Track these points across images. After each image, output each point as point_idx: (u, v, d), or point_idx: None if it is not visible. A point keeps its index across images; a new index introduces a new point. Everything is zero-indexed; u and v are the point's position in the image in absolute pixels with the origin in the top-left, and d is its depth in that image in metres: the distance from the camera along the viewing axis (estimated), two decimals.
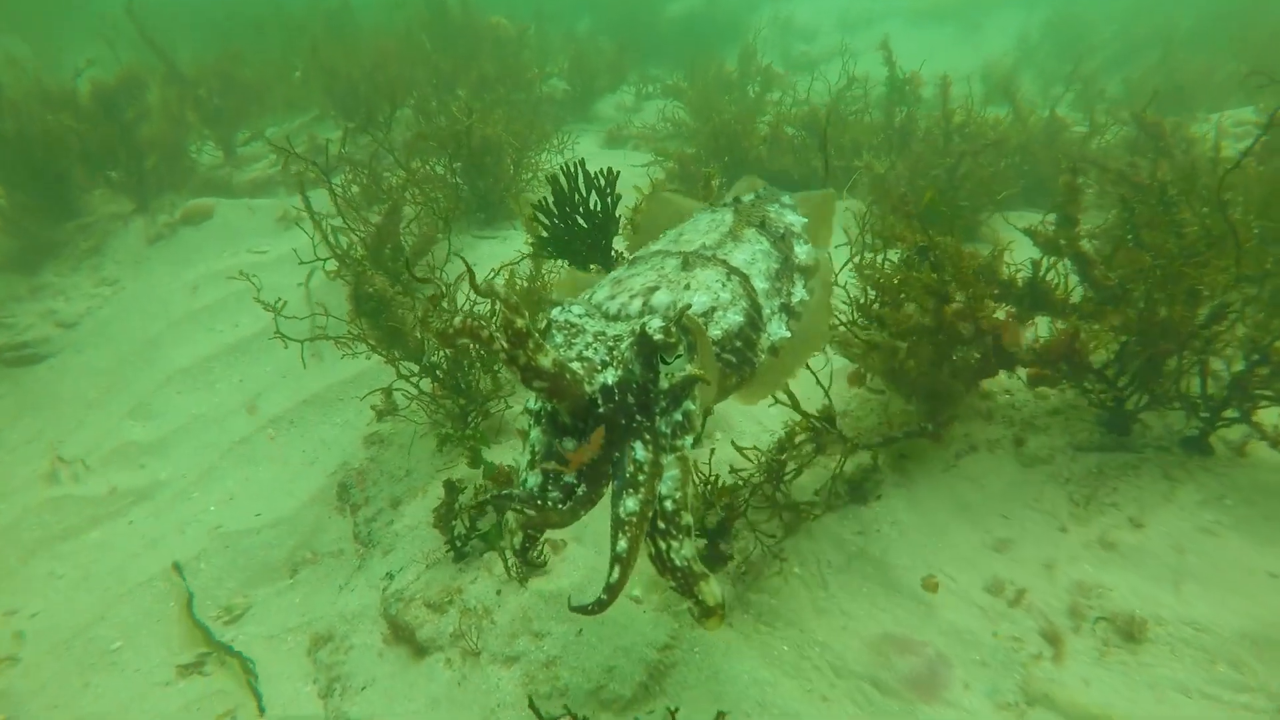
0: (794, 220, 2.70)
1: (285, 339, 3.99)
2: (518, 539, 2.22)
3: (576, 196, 3.70)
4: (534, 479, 1.73)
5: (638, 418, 1.74)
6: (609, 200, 3.67)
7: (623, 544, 1.64)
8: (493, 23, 8.42)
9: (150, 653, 3.17)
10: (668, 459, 1.75)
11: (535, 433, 1.79)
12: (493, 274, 4.58)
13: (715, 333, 1.98)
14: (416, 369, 3.84)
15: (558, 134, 6.55)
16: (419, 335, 3.84)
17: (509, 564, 2.88)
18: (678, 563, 1.70)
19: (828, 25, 17.79)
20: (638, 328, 1.74)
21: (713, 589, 1.69)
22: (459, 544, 3.07)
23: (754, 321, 2.09)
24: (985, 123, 5.99)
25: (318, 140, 7.26)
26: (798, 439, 3.18)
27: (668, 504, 1.72)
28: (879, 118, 7.20)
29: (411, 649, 2.86)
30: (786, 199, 2.97)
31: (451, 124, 5.57)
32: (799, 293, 2.39)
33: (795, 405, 3.21)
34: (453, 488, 3.05)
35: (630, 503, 1.68)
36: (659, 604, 2.76)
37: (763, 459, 3.12)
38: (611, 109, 9.56)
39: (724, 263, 2.20)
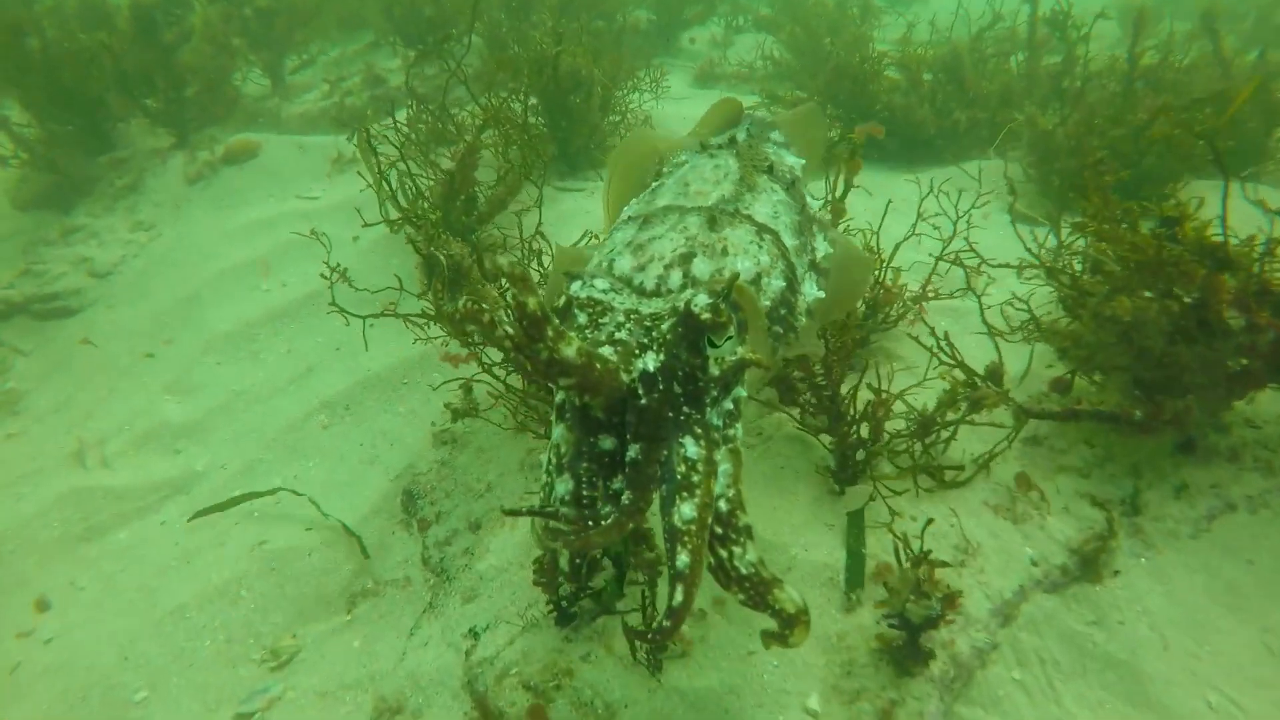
0: (794, 162, 2.47)
1: (346, 314, 3.35)
2: (563, 561, 1.93)
3: None
4: (563, 485, 1.51)
5: (685, 409, 1.53)
6: None
7: (684, 558, 1.41)
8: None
9: (181, 708, 2.63)
10: (720, 453, 1.55)
11: (560, 430, 1.57)
12: (585, 239, 3.87)
13: (765, 303, 1.82)
14: (501, 357, 3.19)
15: (649, 70, 5.70)
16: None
17: (634, 645, 2.24)
18: (744, 570, 1.49)
19: None
20: (680, 304, 1.54)
21: (791, 594, 1.48)
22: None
23: (792, 284, 1.93)
24: (1180, 68, 4.95)
25: (374, 70, 6.53)
26: (957, 397, 2.56)
27: (721, 504, 1.51)
28: (1022, 62, 6.19)
29: None
30: (778, 135, 2.71)
31: (535, 53, 4.77)
32: (822, 247, 2.21)
33: (958, 361, 2.55)
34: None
35: (687, 509, 1.45)
36: None
37: (913, 418, 2.64)
38: (700, 43, 8.61)
39: (750, 219, 1.99)
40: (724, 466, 1.55)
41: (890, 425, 2.69)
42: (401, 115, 4.87)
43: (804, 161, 2.55)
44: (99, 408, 4.34)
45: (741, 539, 1.51)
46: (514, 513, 1.60)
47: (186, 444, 3.94)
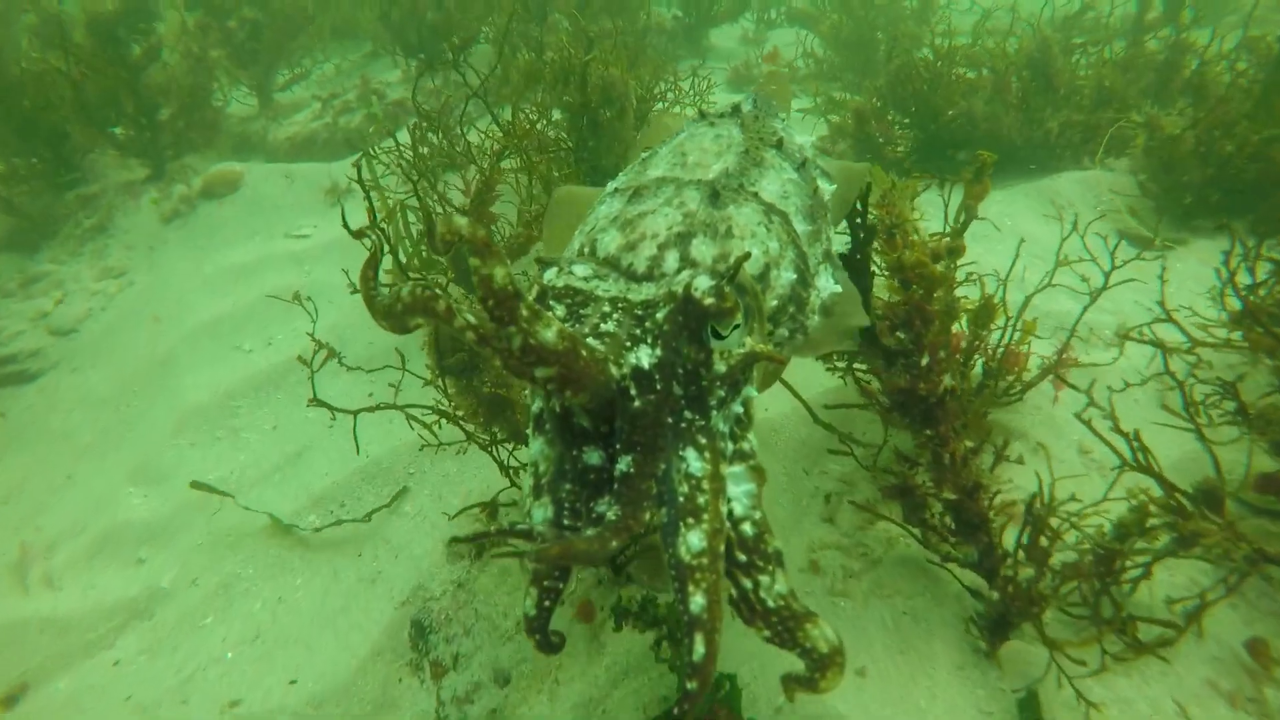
0: (804, 142, 2.23)
1: (331, 410, 2.72)
2: (530, 602, 1.48)
3: None
4: (541, 511, 1.29)
5: (687, 414, 1.31)
6: None
7: (699, 599, 1.19)
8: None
9: None
10: (733, 470, 1.34)
11: (538, 445, 1.36)
12: None
13: (772, 301, 1.61)
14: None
15: (694, 79, 5.03)
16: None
17: None
18: (771, 604, 1.27)
19: None
20: (678, 289, 1.32)
21: (825, 632, 1.26)
22: None
23: (804, 276, 1.71)
24: None
25: (371, 84, 5.91)
26: (1149, 523, 1.91)
27: (746, 527, 1.31)
28: (1120, 51, 5.46)
29: None
30: (782, 115, 2.46)
31: (561, 60, 4.14)
32: (832, 237, 2.02)
33: (1156, 474, 1.89)
34: None
35: (694, 539, 1.22)
36: None
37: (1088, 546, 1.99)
38: (731, 41, 7.95)
39: (756, 197, 1.78)
40: (745, 486, 1.35)
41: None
42: (403, 136, 4.27)
43: (813, 140, 2.29)
44: (53, 499, 3.74)
45: (771, 567, 1.31)
46: (477, 538, 1.29)
47: (151, 551, 3.32)
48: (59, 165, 5.39)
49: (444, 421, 2.59)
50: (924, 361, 2.10)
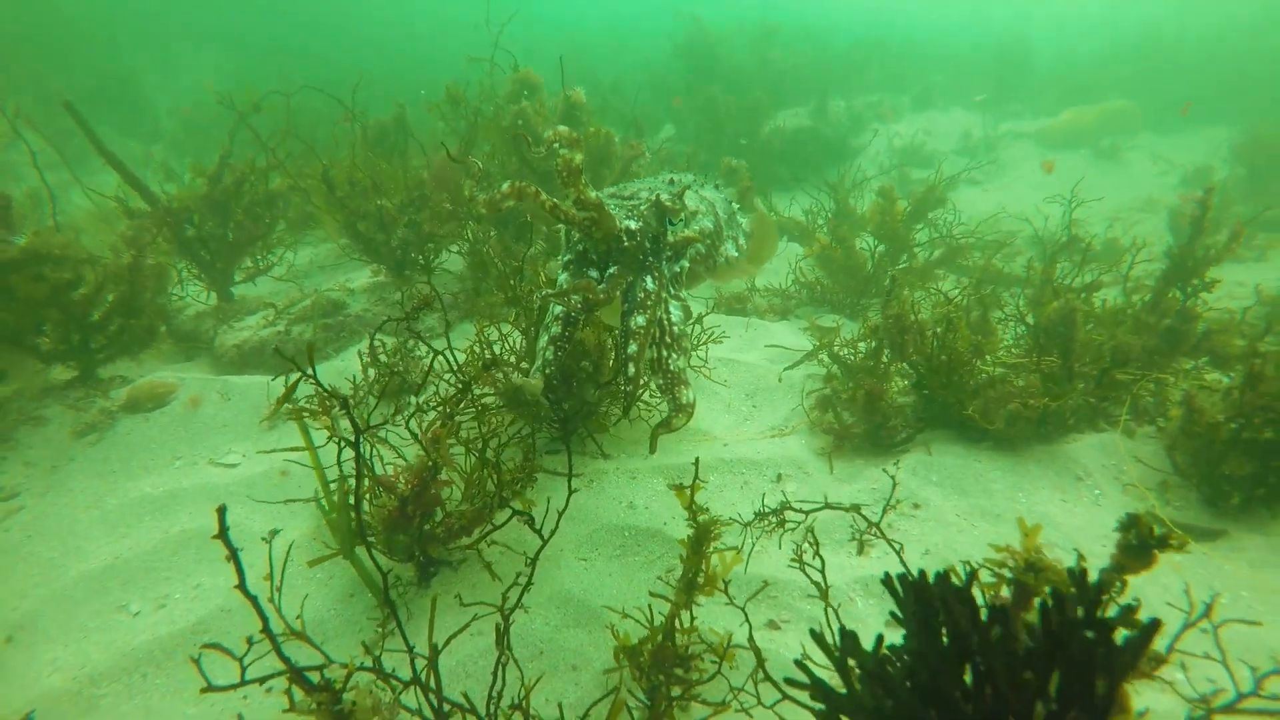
0: (730, 197, 3.88)
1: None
2: (550, 348, 2.65)
3: None
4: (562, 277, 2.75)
5: (649, 259, 2.67)
6: None
7: (633, 346, 2.49)
8: (593, 134, 6.91)
9: None
10: (673, 303, 2.71)
11: (564, 276, 2.72)
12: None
13: (695, 228, 3.01)
14: None
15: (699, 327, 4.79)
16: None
17: None
18: (671, 367, 2.58)
19: (945, 148, 16.45)
20: (652, 198, 2.76)
21: (689, 392, 2.54)
22: None
23: (718, 229, 3.25)
24: None
25: (327, 295, 5.68)
26: None
27: (675, 328, 2.65)
28: (1139, 306, 5.37)
29: None
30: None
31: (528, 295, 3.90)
32: (742, 239, 3.61)
33: None
34: None
35: (639, 319, 2.55)
36: None
37: None
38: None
39: (697, 193, 3.33)
40: (678, 313, 2.71)
41: None
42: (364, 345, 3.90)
43: (735, 201, 3.93)
44: None
45: (678, 352, 2.62)
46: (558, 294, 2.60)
47: None
48: None
49: None
50: None
